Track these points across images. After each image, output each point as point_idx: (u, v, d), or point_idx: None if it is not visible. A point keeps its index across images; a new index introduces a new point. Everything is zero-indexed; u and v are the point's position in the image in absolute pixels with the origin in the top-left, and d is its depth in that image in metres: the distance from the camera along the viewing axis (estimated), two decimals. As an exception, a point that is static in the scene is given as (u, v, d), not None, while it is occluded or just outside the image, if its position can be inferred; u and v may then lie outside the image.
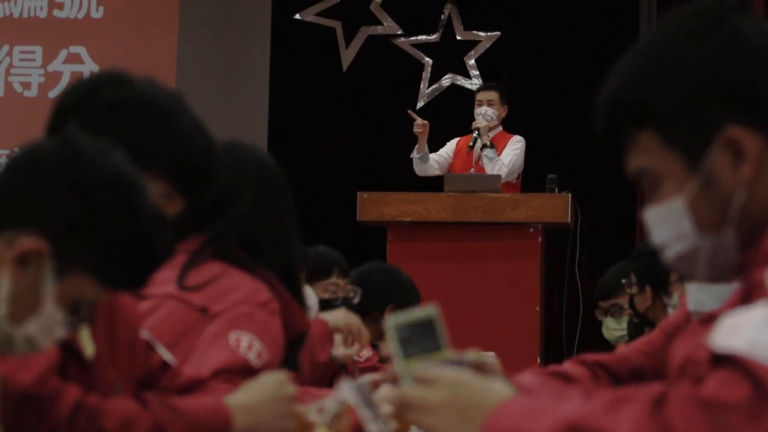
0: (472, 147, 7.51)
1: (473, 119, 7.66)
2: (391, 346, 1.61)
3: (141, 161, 1.80)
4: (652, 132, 1.58)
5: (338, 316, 3.36)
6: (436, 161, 7.64)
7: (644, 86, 1.58)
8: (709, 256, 1.59)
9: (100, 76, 2.15)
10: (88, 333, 1.88)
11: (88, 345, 1.87)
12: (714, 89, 1.55)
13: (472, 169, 7.51)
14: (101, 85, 2.10)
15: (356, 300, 4.51)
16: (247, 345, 2.36)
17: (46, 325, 1.63)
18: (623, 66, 1.62)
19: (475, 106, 7.72)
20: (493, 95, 7.70)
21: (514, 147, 7.59)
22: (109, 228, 1.66)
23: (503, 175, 7.29)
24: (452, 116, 8.40)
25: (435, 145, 7.78)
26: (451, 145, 7.75)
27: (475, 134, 7.53)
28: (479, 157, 7.50)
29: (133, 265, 1.70)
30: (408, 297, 4.75)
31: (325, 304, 4.28)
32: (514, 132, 7.76)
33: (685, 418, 1.37)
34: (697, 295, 2.55)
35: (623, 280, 4.76)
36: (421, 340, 1.62)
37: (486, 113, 7.61)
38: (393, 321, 1.61)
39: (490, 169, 7.43)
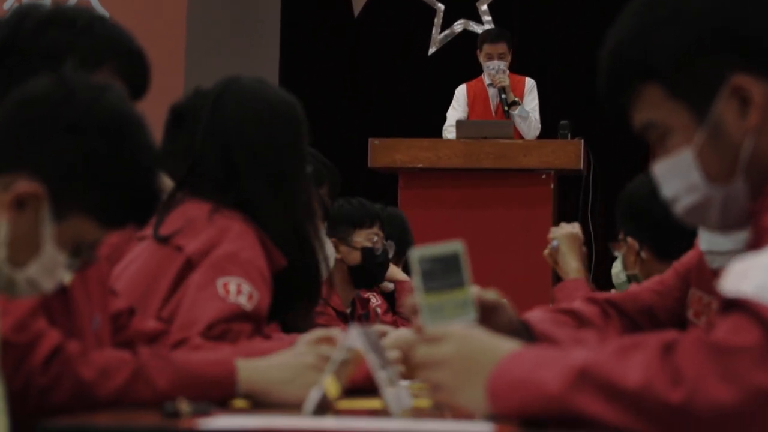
0: (507, 111, 7.43)
1: (479, 66, 7.58)
2: (414, 278, 1.61)
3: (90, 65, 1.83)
4: (656, 85, 1.58)
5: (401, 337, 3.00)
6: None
7: (645, 40, 1.57)
8: (720, 206, 1.59)
9: (19, 9, 2.09)
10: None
11: (65, 275, 1.82)
12: (717, 38, 1.55)
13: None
14: (25, 15, 2.05)
15: (391, 254, 4.55)
16: (236, 290, 2.32)
17: (48, 267, 1.63)
18: (623, 21, 1.61)
19: (484, 58, 7.63)
20: (503, 47, 7.63)
21: (533, 97, 7.56)
22: (104, 170, 1.65)
23: (539, 131, 7.33)
24: (463, 62, 8.30)
25: (446, 93, 7.69)
26: (462, 98, 7.67)
27: (502, 97, 7.47)
28: (509, 116, 7.44)
29: (133, 204, 1.69)
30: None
31: (367, 252, 4.31)
32: (525, 74, 7.69)
33: (695, 363, 1.37)
34: (709, 236, 2.51)
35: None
36: (444, 274, 1.61)
37: (500, 67, 7.53)
38: (417, 254, 1.60)
39: (526, 129, 7.40)
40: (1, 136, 1.64)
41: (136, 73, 2.09)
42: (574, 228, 3.49)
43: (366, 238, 4.38)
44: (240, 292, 2.32)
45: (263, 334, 2.72)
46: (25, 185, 1.61)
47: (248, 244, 2.41)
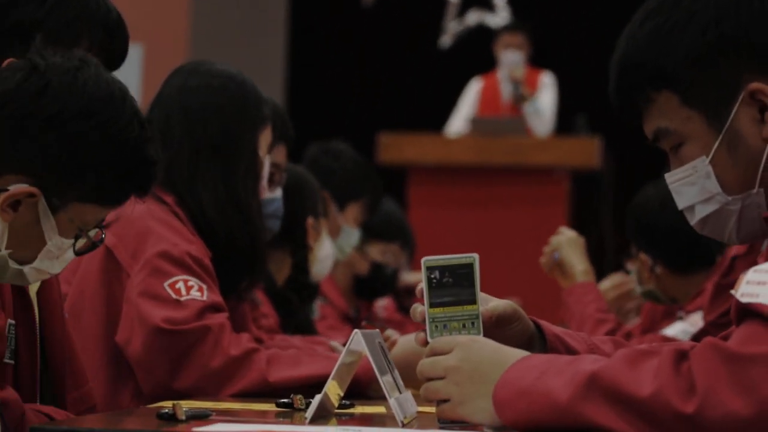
0: (517, 103, 7.39)
1: (494, 61, 7.52)
2: (423, 287, 1.60)
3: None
4: (670, 93, 1.56)
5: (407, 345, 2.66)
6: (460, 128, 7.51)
7: (659, 47, 1.56)
8: (738, 216, 1.57)
9: None
10: None
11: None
12: (732, 45, 1.53)
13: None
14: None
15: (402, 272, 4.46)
16: (185, 288, 2.32)
17: (55, 255, 1.66)
18: (634, 27, 1.59)
19: (501, 49, 7.56)
20: (520, 39, 7.56)
21: (548, 91, 7.50)
22: (94, 154, 1.64)
23: (550, 128, 7.27)
24: (476, 53, 8.23)
25: (458, 87, 7.63)
26: (473, 93, 7.61)
27: (515, 89, 7.42)
28: (520, 110, 7.41)
29: (129, 178, 1.68)
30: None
31: (376, 267, 4.23)
32: (543, 66, 7.62)
33: (708, 372, 1.36)
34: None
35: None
36: (453, 287, 1.59)
37: (515, 59, 7.46)
38: (428, 263, 1.59)
39: (537, 125, 7.34)
40: (19, 124, 1.62)
41: (114, 44, 2.07)
42: (573, 233, 3.39)
43: (380, 252, 4.30)
44: (190, 289, 2.32)
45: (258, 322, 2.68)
46: (18, 188, 1.61)
47: (176, 236, 2.39)
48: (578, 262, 3.28)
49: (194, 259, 2.37)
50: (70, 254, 1.69)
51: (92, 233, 1.70)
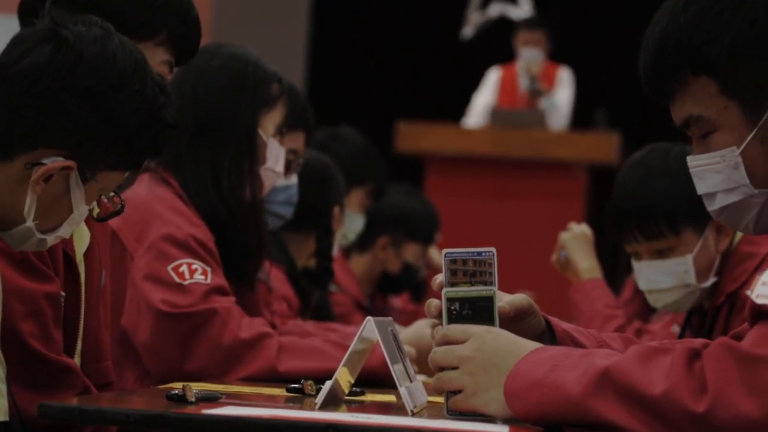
0: (533, 97, 7.38)
1: (514, 52, 7.49)
2: (442, 276, 1.59)
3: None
4: (709, 80, 1.53)
5: (413, 336, 2.62)
6: (481, 115, 7.48)
7: (703, 30, 1.53)
8: (759, 209, 1.56)
9: None
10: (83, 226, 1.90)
11: (81, 240, 1.90)
12: None
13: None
14: None
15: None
16: (188, 272, 2.31)
17: (77, 221, 1.70)
18: (677, 7, 1.55)
19: (520, 44, 7.55)
20: (539, 35, 7.55)
21: (565, 87, 7.47)
22: (125, 124, 1.66)
23: (565, 123, 7.25)
24: (498, 45, 8.21)
25: (478, 77, 7.60)
26: (493, 83, 7.59)
27: (531, 84, 7.40)
28: (537, 103, 7.39)
29: (150, 143, 1.71)
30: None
31: (408, 270, 4.20)
32: (562, 61, 7.59)
33: (720, 372, 1.35)
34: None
35: None
36: (471, 278, 1.58)
37: (533, 55, 7.45)
38: (449, 253, 1.59)
39: (554, 120, 7.31)
40: (15, 109, 1.63)
41: (189, 41, 2.11)
42: (582, 227, 3.37)
43: (416, 255, 4.25)
44: (193, 272, 2.32)
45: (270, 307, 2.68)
46: (55, 162, 1.63)
47: (180, 219, 2.38)
48: (583, 259, 3.26)
49: (198, 242, 2.36)
50: (83, 217, 1.71)
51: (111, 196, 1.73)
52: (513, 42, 7.68)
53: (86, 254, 1.91)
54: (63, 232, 1.70)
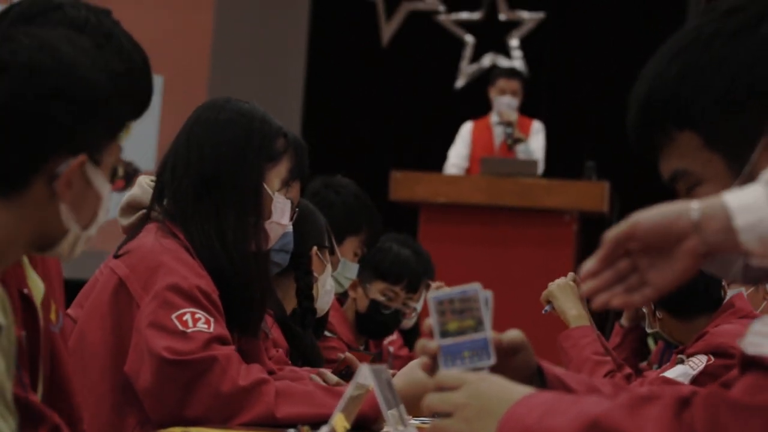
0: (511, 145, 7.43)
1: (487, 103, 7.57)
2: (431, 320, 1.60)
3: None
4: (692, 134, 1.54)
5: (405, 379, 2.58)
6: (458, 166, 7.52)
7: (686, 86, 1.53)
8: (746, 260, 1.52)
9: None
10: (35, 274, 1.87)
11: (36, 287, 1.87)
12: (759, 91, 1.51)
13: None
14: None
15: (410, 324, 4.40)
16: (192, 321, 2.32)
17: (107, 205, 1.70)
18: (660, 62, 1.56)
19: (496, 93, 7.64)
20: (516, 85, 7.64)
21: (539, 138, 7.57)
22: (122, 101, 1.69)
23: (541, 171, 7.31)
24: (489, 96, 8.29)
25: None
26: (466, 135, 7.66)
27: (508, 129, 7.46)
28: (512, 151, 7.44)
29: (141, 105, 1.81)
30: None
31: (373, 305, 4.19)
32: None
33: (710, 420, 1.34)
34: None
35: None
36: (462, 317, 1.60)
37: (510, 104, 7.54)
38: (435, 296, 1.59)
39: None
40: (22, 120, 1.60)
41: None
42: (566, 278, 3.39)
43: (381, 291, 4.24)
44: (197, 321, 2.33)
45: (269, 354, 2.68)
46: (69, 166, 1.62)
47: (186, 270, 2.41)
48: (570, 308, 3.26)
49: (203, 293, 2.39)
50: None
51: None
52: (488, 89, 7.76)
53: (42, 302, 1.88)
54: (101, 219, 1.69)
